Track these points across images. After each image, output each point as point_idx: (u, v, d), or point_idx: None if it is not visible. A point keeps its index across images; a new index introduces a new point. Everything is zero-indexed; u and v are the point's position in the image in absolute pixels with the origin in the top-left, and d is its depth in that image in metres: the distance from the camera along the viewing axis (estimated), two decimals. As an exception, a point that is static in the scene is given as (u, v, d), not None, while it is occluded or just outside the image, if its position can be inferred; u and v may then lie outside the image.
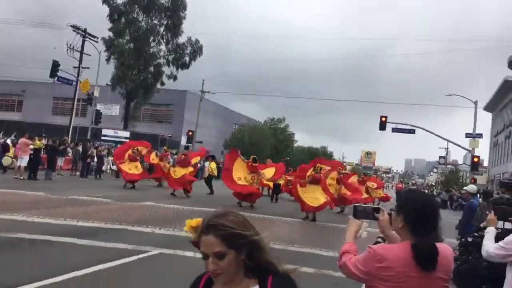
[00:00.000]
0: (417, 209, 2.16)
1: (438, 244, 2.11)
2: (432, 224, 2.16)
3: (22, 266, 5.81)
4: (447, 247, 2.19)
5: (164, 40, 42.16)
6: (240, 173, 16.64)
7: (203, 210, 13.59)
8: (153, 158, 21.37)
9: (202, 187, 20.40)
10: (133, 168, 18.87)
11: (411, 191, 2.38)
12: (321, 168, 15.14)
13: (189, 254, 7.48)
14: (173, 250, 7.60)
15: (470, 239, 5.40)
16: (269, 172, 17.54)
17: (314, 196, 14.25)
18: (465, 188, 10.08)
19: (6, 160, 20.27)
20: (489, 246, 3.67)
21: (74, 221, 9.31)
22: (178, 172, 17.67)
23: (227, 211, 1.71)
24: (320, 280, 7.01)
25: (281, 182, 21.59)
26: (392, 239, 2.35)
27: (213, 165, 21.84)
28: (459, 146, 35.54)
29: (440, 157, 64.92)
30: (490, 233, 3.91)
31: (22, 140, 18.20)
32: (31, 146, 18.47)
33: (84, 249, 7.17)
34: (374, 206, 2.57)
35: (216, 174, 22.39)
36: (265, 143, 53.48)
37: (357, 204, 2.61)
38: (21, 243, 7.06)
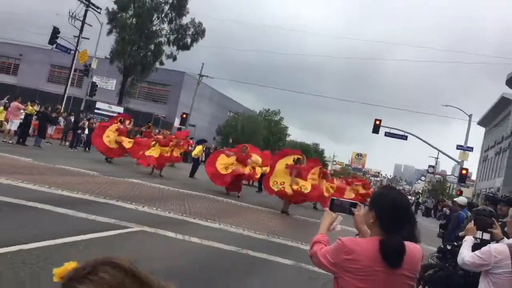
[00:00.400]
0: (388, 206, 2.19)
1: (407, 243, 2.12)
2: (403, 221, 2.17)
3: (1, 230, 5.77)
4: (416, 246, 2.20)
5: (168, 19, 41.75)
6: (224, 160, 16.15)
7: (190, 194, 13.62)
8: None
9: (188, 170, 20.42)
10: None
11: (385, 188, 2.39)
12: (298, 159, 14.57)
13: (170, 234, 7.52)
14: (155, 229, 7.59)
15: (449, 247, 5.46)
16: (256, 157, 16.63)
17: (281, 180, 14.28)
18: (455, 199, 10.15)
19: None
20: (465, 254, 3.71)
21: (58, 190, 9.26)
22: (156, 151, 16.86)
23: (99, 266, 0.97)
24: (297, 272, 7.06)
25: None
26: (365, 234, 2.39)
27: (197, 149, 21.69)
28: (449, 157, 35.76)
29: (429, 166, 65.41)
30: (467, 241, 3.96)
31: (14, 103, 18.01)
32: (23, 111, 18.30)
33: (66, 218, 7.14)
34: (351, 201, 2.59)
35: (203, 159, 22.30)
36: (258, 133, 53.47)
37: (334, 198, 2.65)
38: (2, 206, 7.01)
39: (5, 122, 19.64)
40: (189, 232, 7.90)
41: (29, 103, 19.00)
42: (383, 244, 2.08)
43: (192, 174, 20.06)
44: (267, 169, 16.08)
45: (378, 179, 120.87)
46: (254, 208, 13.77)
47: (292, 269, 7.18)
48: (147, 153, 16.56)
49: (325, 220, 2.54)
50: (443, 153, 37.01)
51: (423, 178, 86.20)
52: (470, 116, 36.54)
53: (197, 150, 21.56)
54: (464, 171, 32.76)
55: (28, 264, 4.71)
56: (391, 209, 2.17)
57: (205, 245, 7.36)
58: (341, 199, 2.68)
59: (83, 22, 33.39)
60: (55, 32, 30.54)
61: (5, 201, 7.36)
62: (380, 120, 32.57)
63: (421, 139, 35.31)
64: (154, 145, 17.00)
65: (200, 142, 23.22)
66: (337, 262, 2.15)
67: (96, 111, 39.49)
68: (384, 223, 2.16)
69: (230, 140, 16.74)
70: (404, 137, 34.50)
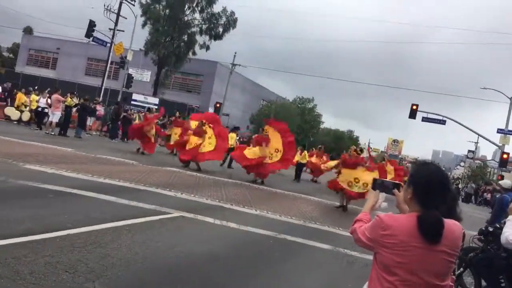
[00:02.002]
0: (426, 181, 2.18)
1: (446, 220, 2.11)
2: (441, 197, 2.16)
3: (47, 216, 6.04)
4: (456, 223, 2.19)
5: (199, 8, 41.93)
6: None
7: (226, 181, 13.80)
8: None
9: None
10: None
11: (424, 164, 2.33)
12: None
13: (209, 219, 7.68)
14: (194, 215, 7.76)
15: (491, 229, 5.35)
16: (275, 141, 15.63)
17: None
18: (499, 182, 9.84)
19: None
20: (509, 233, 3.64)
21: (100, 178, 9.58)
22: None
23: None
24: (335, 257, 7.09)
25: (304, 161, 21.58)
26: (406, 213, 2.39)
27: (232, 136, 20.86)
28: (489, 141, 34.64)
29: (469, 151, 63.61)
30: (511, 221, 3.88)
31: (55, 96, 18.60)
32: (63, 104, 18.91)
33: (109, 204, 7.40)
34: (394, 181, 2.61)
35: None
36: (291, 121, 53.27)
37: (376, 178, 2.71)
38: (48, 194, 7.33)
39: (26, 112, 20.35)
40: (227, 218, 8.05)
41: (68, 95, 19.60)
42: (420, 220, 2.09)
43: (228, 163, 19.85)
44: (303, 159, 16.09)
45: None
46: (289, 195, 13.83)
47: (330, 254, 7.21)
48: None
49: (369, 200, 2.57)
50: (483, 138, 35.89)
51: (462, 163, 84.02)
52: (511, 98, 35.24)
53: (232, 140, 20.64)
54: (505, 156, 31.68)
55: (77, 247, 4.93)
56: (429, 184, 2.16)
57: (243, 230, 7.48)
58: (383, 179, 2.75)
59: (118, 14, 33.97)
60: (91, 25, 31.26)
61: (51, 188, 7.68)
62: (417, 105, 31.89)
63: (460, 123, 34.34)
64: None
65: (234, 129, 23.05)
66: (374, 237, 2.19)
67: (132, 102, 40.29)
68: (422, 198, 2.15)
69: (261, 129, 16.60)
70: (442, 122, 33.67)
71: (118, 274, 4.42)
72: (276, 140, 15.52)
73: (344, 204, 12.87)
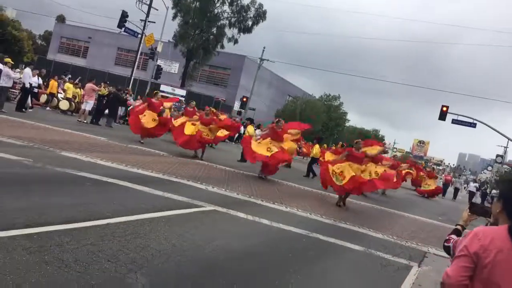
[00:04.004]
0: None
1: None
2: None
3: (86, 204, 6.12)
4: None
5: (229, 0, 41.91)
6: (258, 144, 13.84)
7: (254, 176, 13.78)
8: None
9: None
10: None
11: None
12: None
13: (241, 214, 7.67)
14: (226, 209, 7.77)
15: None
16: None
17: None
18: None
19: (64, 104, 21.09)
20: None
21: (134, 168, 9.68)
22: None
23: None
24: (368, 258, 7.00)
25: (317, 156, 20.10)
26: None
27: (250, 128, 20.30)
28: (521, 146, 33.76)
29: (497, 155, 62.05)
30: None
31: (89, 85, 18.88)
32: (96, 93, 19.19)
33: (144, 195, 7.46)
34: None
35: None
36: (317, 118, 52.96)
37: (475, 202, 3.22)
38: (85, 182, 7.44)
39: (64, 101, 20.64)
40: (259, 214, 8.03)
41: (102, 84, 19.88)
42: (511, 229, 2.12)
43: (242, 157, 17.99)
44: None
45: (441, 167, 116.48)
46: (317, 193, 13.74)
47: (363, 255, 7.12)
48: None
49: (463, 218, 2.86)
50: (515, 142, 34.98)
51: (489, 168, 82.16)
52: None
53: (251, 130, 19.68)
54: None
55: (117, 237, 4.98)
56: None
57: (275, 227, 7.45)
58: (481, 205, 3.12)
59: (150, 6, 34.22)
60: (124, 16, 31.56)
61: (88, 176, 7.79)
62: (447, 107, 31.34)
63: (491, 127, 33.54)
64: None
65: (248, 121, 22.22)
66: (475, 250, 2.19)
67: (160, 93, 40.56)
68: (510, 211, 2.15)
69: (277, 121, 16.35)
70: (473, 125, 32.98)
71: (159, 266, 4.44)
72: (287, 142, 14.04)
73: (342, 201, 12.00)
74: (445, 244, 2.97)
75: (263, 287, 4.74)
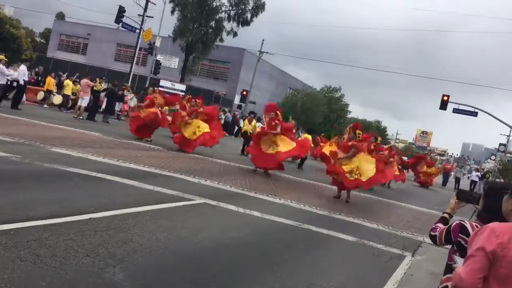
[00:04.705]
0: None
1: None
2: None
3: (71, 199, 6.05)
4: None
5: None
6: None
7: (250, 170, 13.68)
8: None
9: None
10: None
11: None
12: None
13: (232, 207, 7.59)
14: (217, 202, 7.69)
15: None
16: (284, 142, 13.14)
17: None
18: None
19: (57, 99, 21.07)
20: None
21: (126, 163, 9.60)
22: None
23: None
24: (360, 248, 6.92)
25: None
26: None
27: (253, 123, 19.33)
28: (524, 134, 33.53)
29: (500, 144, 61.71)
30: None
31: (84, 81, 18.80)
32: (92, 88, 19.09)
33: (133, 189, 7.39)
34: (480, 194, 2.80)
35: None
36: (318, 110, 52.70)
37: (462, 189, 3.21)
38: (73, 177, 7.36)
39: (58, 96, 20.57)
40: (250, 206, 7.94)
41: (97, 79, 19.78)
42: None
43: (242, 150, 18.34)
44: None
45: (444, 157, 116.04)
46: (315, 185, 13.66)
47: (355, 246, 7.04)
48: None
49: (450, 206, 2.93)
50: (517, 131, 34.75)
51: (492, 157, 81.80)
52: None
53: (254, 125, 18.96)
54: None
55: (99, 232, 4.90)
56: None
57: (266, 219, 7.37)
58: (468, 191, 3.30)
59: (147, 0, 34.06)
60: (121, 11, 31.44)
61: (76, 172, 7.72)
62: (448, 96, 31.08)
63: (492, 115, 33.30)
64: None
65: (252, 115, 21.85)
66: (493, 248, 2.09)
67: (160, 88, 40.49)
68: None
69: (290, 118, 16.20)
70: (474, 114, 32.77)
71: (139, 260, 4.37)
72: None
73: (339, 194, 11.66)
74: (431, 233, 2.89)
75: (246, 279, 4.66)
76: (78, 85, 21.91)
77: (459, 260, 2.40)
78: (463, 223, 2.63)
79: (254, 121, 19.48)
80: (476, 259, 2.07)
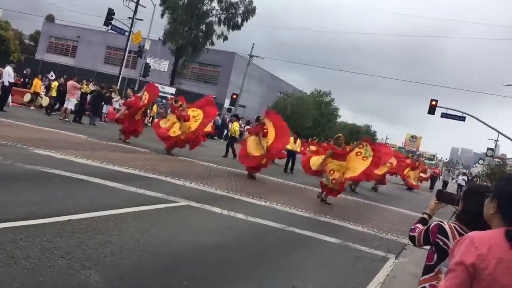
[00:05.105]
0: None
1: None
2: None
3: (50, 201, 5.96)
4: None
5: (217, -3, 41.58)
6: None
7: (237, 172, 13.64)
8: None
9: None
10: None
11: (509, 178, 2.11)
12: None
13: (216, 209, 7.54)
14: (201, 204, 7.63)
15: None
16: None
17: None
18: None
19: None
20: None
21: (110, 165, 9.51)
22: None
23: None
24: (344, 251, 6.90)
25: (298, 150, 19.32)
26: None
27: (236, 126, 19.88)
28: (510, 139, 33.83)
29: (488, 148, 62.31)
30: None
31: (71, 83, 18.62)
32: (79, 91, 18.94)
33: (116, 192, 7.30)
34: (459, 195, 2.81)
35: (238, 136, 20.29)
36: (307, 114, 52.82)
37: (442, 190, 3.11)
38: (53, 179, 7.26)
39: (45, 97, 20.42)
40: (235, 209, 7.89)
41: (84, 81, 19.63)
42: (508, 234, 1.86)
43: (226, 153, 18.52)
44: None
45: (433, 162, 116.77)
46: (301, 188, 13.64)
47: (339, 248, 7.02)
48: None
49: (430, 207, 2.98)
50: (504, 136, 35.03)
51: (481, 161, 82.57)
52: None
53: (236, 128, 19.49)
54: (526, 154, 30.93)
55: (77, 233, 4.83)
56: None
57: (251, 222, 7.33)
58: (448, 192, 3.14)
59: (137, 3, 33.96)
60: (110, 13, 31.30)
61: (58, 174, 7.62)
62: (436, 101, 31.30)
63: (480, 120, 33.55)
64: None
65: (234, 118, 21.74)
66: (473, 261, 1.91)
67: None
68: (507, 214, 1.93)
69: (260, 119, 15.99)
70: (462, 118, 32.98)
71: (116, 262, 4.30)
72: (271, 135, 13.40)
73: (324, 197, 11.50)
74: (410, 233, 2.87)
75: (225, 282, 4.61)
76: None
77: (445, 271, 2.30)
78: (442, 224, 2.60)
79: (235, 123, 19.75)
80: (456, 274, 1.96)
